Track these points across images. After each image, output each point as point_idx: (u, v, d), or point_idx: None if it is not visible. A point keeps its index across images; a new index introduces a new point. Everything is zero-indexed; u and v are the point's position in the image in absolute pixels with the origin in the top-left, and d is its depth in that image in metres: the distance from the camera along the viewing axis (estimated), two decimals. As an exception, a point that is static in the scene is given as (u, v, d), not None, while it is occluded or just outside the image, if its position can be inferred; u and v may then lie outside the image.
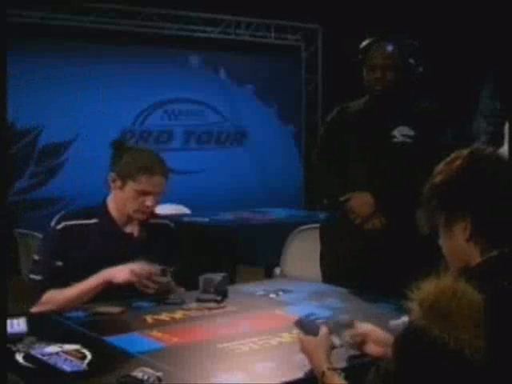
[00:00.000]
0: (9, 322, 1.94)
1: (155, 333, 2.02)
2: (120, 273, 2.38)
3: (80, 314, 2.25)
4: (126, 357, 1.81)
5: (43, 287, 2.45)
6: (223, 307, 2.36)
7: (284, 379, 1.67)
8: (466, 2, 6.12)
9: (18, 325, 1.99)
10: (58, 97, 6.66)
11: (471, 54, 5.99)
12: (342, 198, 2.98)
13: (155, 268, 2.43)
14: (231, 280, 2.99)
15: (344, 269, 2.97)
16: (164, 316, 2.21)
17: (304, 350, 1.70)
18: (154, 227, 2.65)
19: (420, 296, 1.27)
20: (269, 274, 4.67)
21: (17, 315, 2.08)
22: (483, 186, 1.40)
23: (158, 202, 2.58)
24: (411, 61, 2.97)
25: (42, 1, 6.42)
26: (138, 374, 1.61)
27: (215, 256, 4.50)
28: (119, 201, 2.56)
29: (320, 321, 1.75)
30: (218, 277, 2.51)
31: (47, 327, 2.12)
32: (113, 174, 2.56)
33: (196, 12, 7.19)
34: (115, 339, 1.96)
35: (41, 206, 6.70)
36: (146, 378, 1.59)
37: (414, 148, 2.93)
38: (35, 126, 6.70)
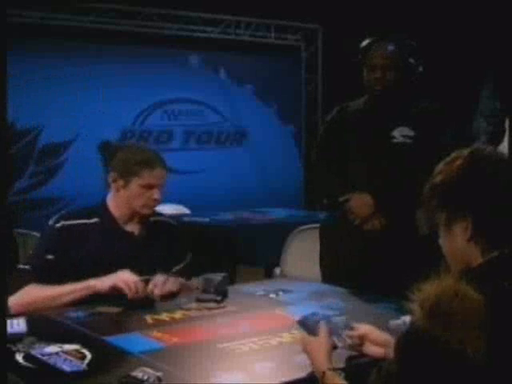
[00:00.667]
0: (9, 322, 1.94)
1: (155, 333, 2.02)
2: (103, 284, 2.35)
3: (80, 313, 2.25)
4: (125, 357, 1.81)
5: (29, 278, 2.42)
6: (223, 307, 2.35)
7: (284, 379, 1.67)
8: (465, 2, 6.12)
9: (18, 325, 1.99)
10: (58, 97, 6.66)
11: (471, 53, 5.99)
12: (341, 199, 2.98)
13: (139, 279, 2.37)
14: (231, 280, 2.99)
15: (344, 269, 2.97)
16: (164, 316, 2.21)
17: (305, 349, 1.70)
18: (154, 225, 2.65)
19: (421, 297, 1.27)
20: (269, 274, 4.67)
21: (16, 315, 2.09)
22: (484, 185, 1.39)
23: (162, 194, 2.58)
24: (411, 61, 2.97)
25: (42, 1, 6.42)
26: (138, 373, 1.61)
27: (215, 256, 4.50)
28: (123, 199, 2.56)
29: (321, 321, 1.75)
30: (217, 277, 2.51)
31: (47, 327, 2.12)
32: (113, 174, 2.56)
33: (196, 12, 7.19)
34: (115, 339, 1.96)
35: (41, 205, 6.70)
36: (145, 377, 1.59)
37: (414, 148, 2.93)
38: (35, 125, 6.70)
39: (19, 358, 1.76)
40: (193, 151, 7.57)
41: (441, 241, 1.46)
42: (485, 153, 1.44)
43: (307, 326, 1.75)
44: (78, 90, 6.74)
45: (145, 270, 2.42)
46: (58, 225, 2.51)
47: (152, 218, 2.66)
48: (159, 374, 1.62)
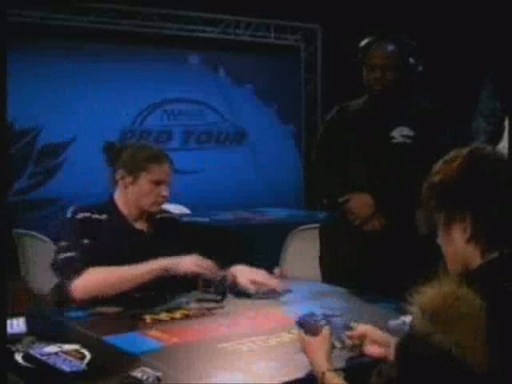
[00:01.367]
0: (8, 322, 1.94)
1: (154, 333, 2.02)
2: (184, 262, 2.40)
3: (79, 313, 2.25)
4: (125, 357, 1.81)
5: (77, 263, 2.39)
6: (223, 307, 2.35)
7: (283, 379, 1.67)
8: (465, 2, 6.12)
9: (18, 325, 1.99)
10: (57, 97, 6.66)
11: (471, 53, 5.98)
12: (341, 199, 2.97)
13: (217, 274, 2.46)
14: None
15: (343, 269, 2.97)
16: (163, 316, 2.21)
17: (305, 350, 1.70)
18: (161, 222, 2.66)
19: (421, 300, 1.26)
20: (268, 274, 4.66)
21: (16, 315, 2.08)
22: (483, 185, 1.39)
23: (170, 191, 2.59)
24: (411, 60, 2.97)
25: (42, 1, 6.42)
26: (138, 373, 1.61)
27: (215, 256, 4.49)
28: (132, 197, 2.56)
29: (321, 321, 1.74)
30: (217, 277, 2.50)
31: (46, 327, 2.12)
32: (121, 171, 2.56)
33: (196, 12, 7.20)
34: (114, 339, 1.95)
35: (39, 206, 6.70)
36: (145, 377, 1.59)
37: (414, 148, 2.93)
38: (34, 126, 6.70)
39: (18, 357, 1.76)
40: (192, 151, 7.58)
41: (439, 241, 1.46)
42: (484, 152, 1.44)
43: (306, 326, 1.75)
44: (78, 90, 6.75)
45: None
46: (78, 216, 2.49)
47: (158, 215, 2.66)
48: (158, 373, 1.61)
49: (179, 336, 2.00)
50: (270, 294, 2.52)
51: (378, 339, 1.76)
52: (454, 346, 1.21)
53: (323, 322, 1.74)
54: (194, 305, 2.35)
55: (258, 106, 7.94)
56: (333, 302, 2.44)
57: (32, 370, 1.71)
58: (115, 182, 2.59)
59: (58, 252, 2.46)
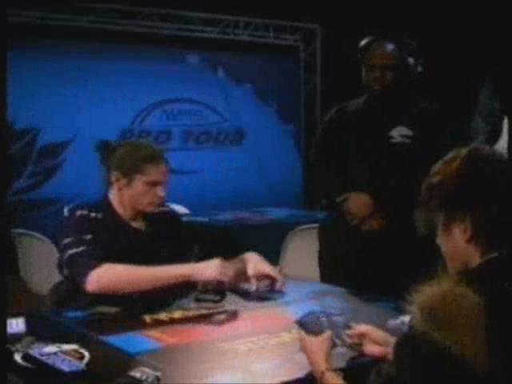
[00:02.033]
0: (7, 322, 1.94)
1: (154, 333, 2.02)
2: (209, 269, 2.37)
3: (78, 313, 2.24)
4: (124, 357, 1.81)
5: (86, 257, 2.35)
6: (222, 307, 2.35)
7: (283, 379, 1.67)
8: (465, 2, 6.12)
9: (17, 325, 1.99)
10: (57, 97, 6.66)
11: (471, 53, 5.98)
12: (338, 199, 2.97)
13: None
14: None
15: (342, 269, 2.97)
16: (162, 316, 2.20)
17: (304, 349, 1.70)
18: (159, 218, 2.62)
19: (420, 299, 1.26)
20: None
21: (15, 315, 2.08)
22: (483, 186, 1.38)
23: (166, 191, 2.55)
24: (410, 60, 2.97)
25: (42, 1, 6.42)
26: (137, 373, 1.61)
27: (214, 256, 4.49)
28: (127, 198, 2.52)
29: (321, 321, 1.75)
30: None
31: (45, 327, 2.12)
32: (115, 173, 2.52)
33: (195, 12, 7.20)
34: (114, 339, 1.95)
35: (39, 206, 6.70)
36: (144, 377, 1.59)
37: (413, 148, 2.93)
38: (33, 126, 6.70)
39: (18, 357, 1.76)
40: (192, 151, 7.58)
41: (439, 241, 1.45)
42: (483, 153, 1.43)
43: (306, 325, 1.75)
44: (77, 90, 6.75)
45: (153, 265, 2.40)
46: (77, 213, 2.46)
47: (155, 211, 2.62)
48: (158, 373, 1.61)
49: (178, 336, 2.00)
50: (270, 291, 2.51)
51: (377, 339, 1.76)
52: (452, 345, 1.21)
53: (323, 322, 1.74)
54: (193, 305, 2.35)
55: (258, 106, 7.94)
56: (332, 301, 2.44)
57: (31, 369, 1.71)
58: (110, 184, 2.55)
59: (64, 249, 2.41)
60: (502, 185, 1.39)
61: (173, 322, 2.16)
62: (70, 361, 1.73)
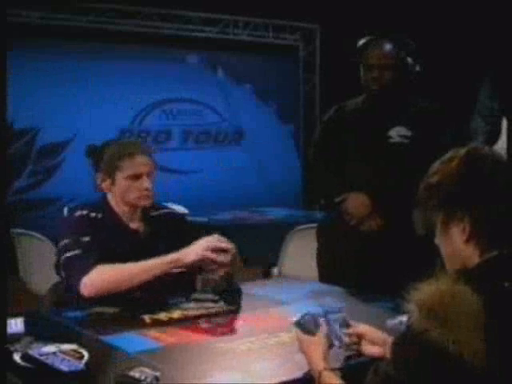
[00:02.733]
0: (7, 322, 1.94)
1: (153, 332, 2.02)
2: (191, 251, 2.36)
3: (77, 313, 2.24)
4: (123, 356, 1.81)
5: (83, 260, 2.37)
6: (221, 307, 2.35)
7: (282, 379, 1.67)
8: (465, 2, 6.12)
9: (16, 325, 1.99)
10: (56, 96, 6.67)
11: (470, 53, 5.98)
12: (337, 199, 2.97)
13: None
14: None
15: (341, 269, 2.97)
16: (162, 316, 2.21)
17: (302, 349, 1.70)
18: (158, 220, 2.63)
19: (418, 298, 1.26)
20: (267, 274, 4.67)
21: (14, 315, 2.08)
22: (481, 186, 1.38)
23: (153, 183, 2.55)
24: (409, 60, 2.97)
25: (42, 1, 6.42)
26: (136, 373, 1.61)
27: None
28: (117, 197, 2.54)
29: (319, 320, 1.75)
30: (215, 276, 2.50)
31: (44, 327, 2.12)
32: (100, 175, 2.55)
33: (195, 12, 7.20)
34: (113, 339, 1.95)
35: (38, 206, 6.70)
36: (143, 377, 1.59)
37: (412, 148, 2.93)
38: (33, 125, 6.70)
39: (17, 357, 1.76)
40: (191, 151, 7.57)
41: (437, 241, 1.45)
42: (482, 153, 1.43)
43: (304, 325, 1.75)
44: (77, 90, 6.75)
45: None
46: (76, 214, 2.48)
47: (155, 213, 2.64)
48: (157, 373, 1.61)
49: (178, 336, 2.00)
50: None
51: (376, 339, 1.76)
52: (451, 343, 1.21)
53: (321, 322, 1.74)
54: (192, 305, 2.35)
55: (257, 106, 7.95)
56: (331, 301, 2.44)
57: (30, 369, 1.71)
58: (97, 187, 2.58)
59: (62, 251, 2.43)
60: (500, 185, 1.39)
61: (172, 321, 2.17)
62: (69, 361, 1.74)
